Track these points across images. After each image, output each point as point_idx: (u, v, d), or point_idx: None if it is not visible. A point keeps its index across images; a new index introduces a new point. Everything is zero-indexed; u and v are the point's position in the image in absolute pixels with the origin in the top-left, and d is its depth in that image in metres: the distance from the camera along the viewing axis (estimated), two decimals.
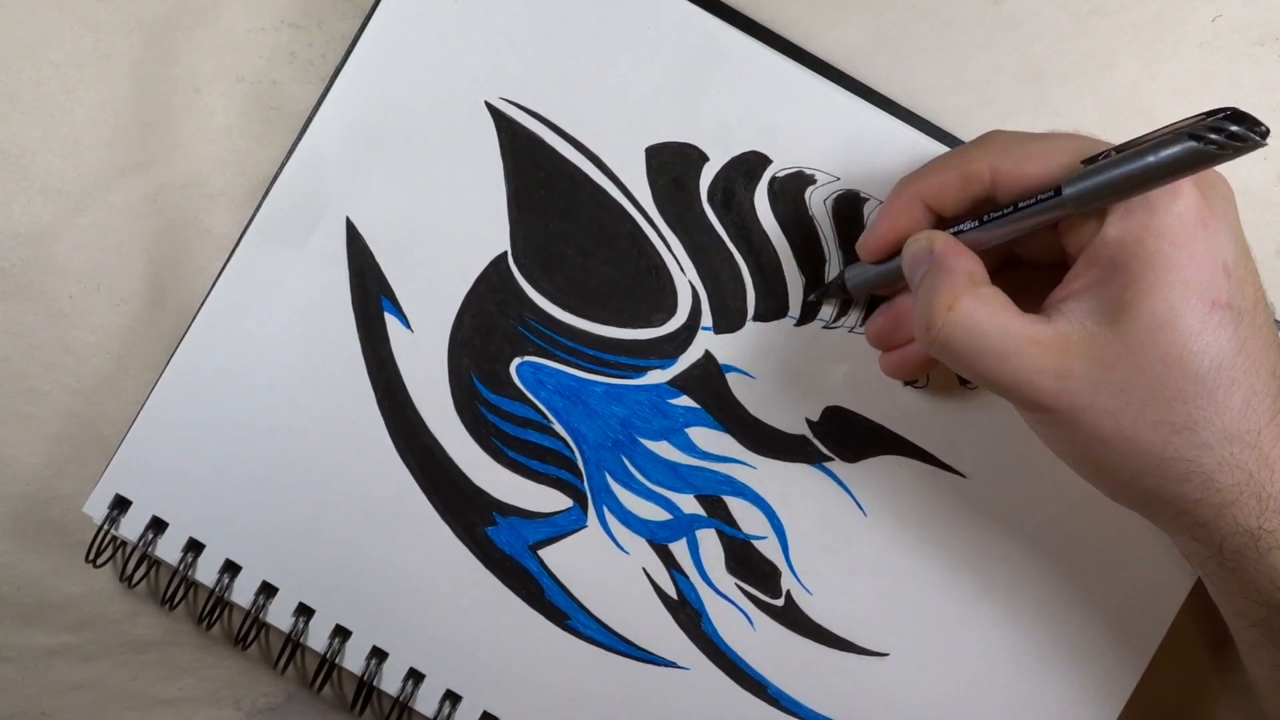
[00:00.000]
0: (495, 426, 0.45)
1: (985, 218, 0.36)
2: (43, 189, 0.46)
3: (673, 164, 0.44)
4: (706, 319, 0.44)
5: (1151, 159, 0.31)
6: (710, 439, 0.45)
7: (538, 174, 0.44)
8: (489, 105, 0.44)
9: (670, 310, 0.44)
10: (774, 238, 0.44)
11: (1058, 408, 0.34)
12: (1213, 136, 0.30)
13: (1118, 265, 0.33)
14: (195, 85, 0.46)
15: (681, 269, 0.44)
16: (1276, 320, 0.39)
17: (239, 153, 0.46)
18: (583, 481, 0.45)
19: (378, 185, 0.44)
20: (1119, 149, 0.33)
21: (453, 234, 0.44)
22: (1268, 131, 0.29)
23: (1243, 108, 0.30)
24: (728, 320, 0.44)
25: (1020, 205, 0.35)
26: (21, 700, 0.47)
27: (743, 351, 0.44)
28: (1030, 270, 0.39)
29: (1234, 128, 0.30)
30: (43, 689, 0.47)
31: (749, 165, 0.44)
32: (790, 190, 0.44)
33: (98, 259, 0.46)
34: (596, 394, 0.45)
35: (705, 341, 0.44)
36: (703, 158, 0.44)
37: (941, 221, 0.38)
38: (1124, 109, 0.45)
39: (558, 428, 0.45)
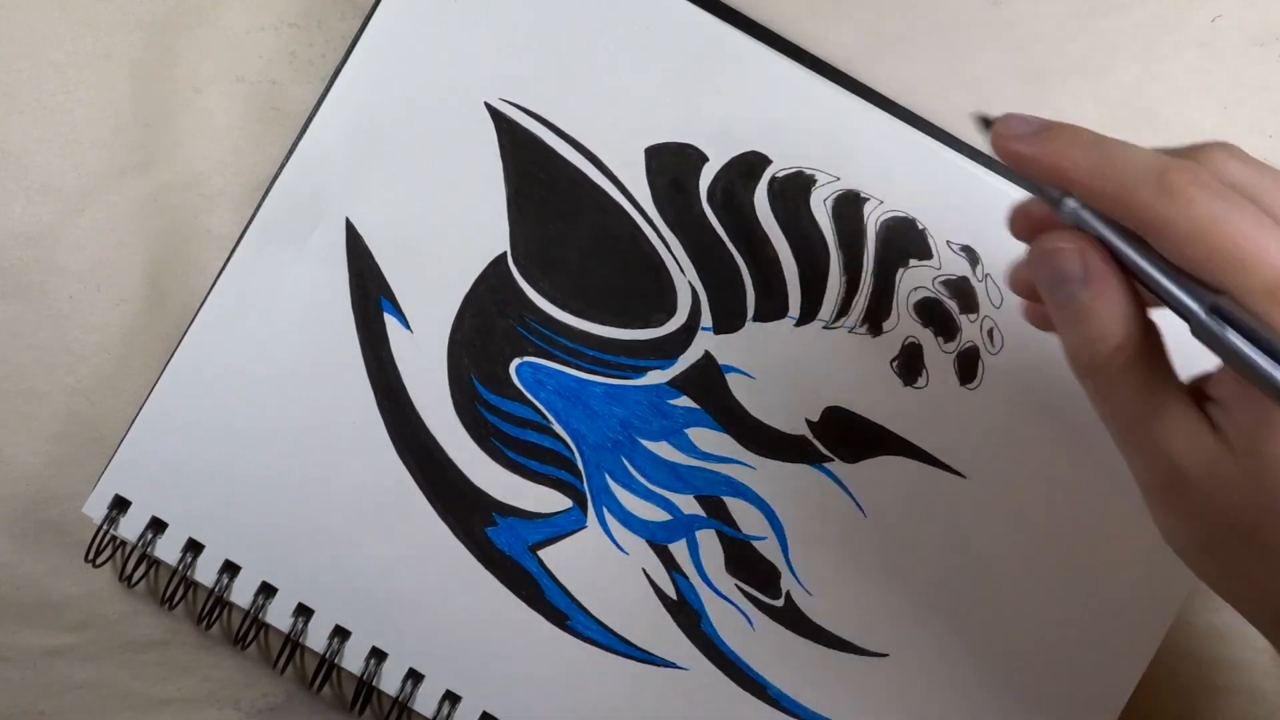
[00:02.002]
0: (495, 427, 0.45)
1: (1137, 254, 0.30)
2: (43, 189, 0.46)
3: (672, 164, 0.44)
4: (706, 319, 0.44)
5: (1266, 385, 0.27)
6: (709, 439, 0.45)
7: (537, 175, 0.44)
8: (488, 106, 0.44)
9: (670, 311, 0.44)
10: (774, 238, 0.44)
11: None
12: None
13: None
14: (195, 85, 0.46)
15: (681, 269, 0.44)
16: None
17: (239, 153, 0.46)
18: (582, 482, 0.45)
19: (378, 186, 0.44)
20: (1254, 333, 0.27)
21: (452, 234, 0.44)
22: None
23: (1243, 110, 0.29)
24: (727, 321, 0.44)
25: (1163, 284, 0.29)
26: (21, 700, 0.47)
27: (742, 352, 0.44)
28: None
29: None
30: (43, 689, 0.47)
31: (749, 165, 0.44)
32: (790, 190, 0.44)
33: (98, 259, 0.46)
34: (596, 394, 0.45)
35: (705, 342, 0.44)
36: (702, 158, 0.44)
37: None
38: (1124, 109, 0.45)
39: (557, 428, 0.45)
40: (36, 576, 0.47)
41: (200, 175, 0.46)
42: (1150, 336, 0.31)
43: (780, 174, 0.44)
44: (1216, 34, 0.45)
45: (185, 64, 0.46)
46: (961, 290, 0.44)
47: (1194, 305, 0.28)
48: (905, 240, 0.44)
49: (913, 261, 0.44)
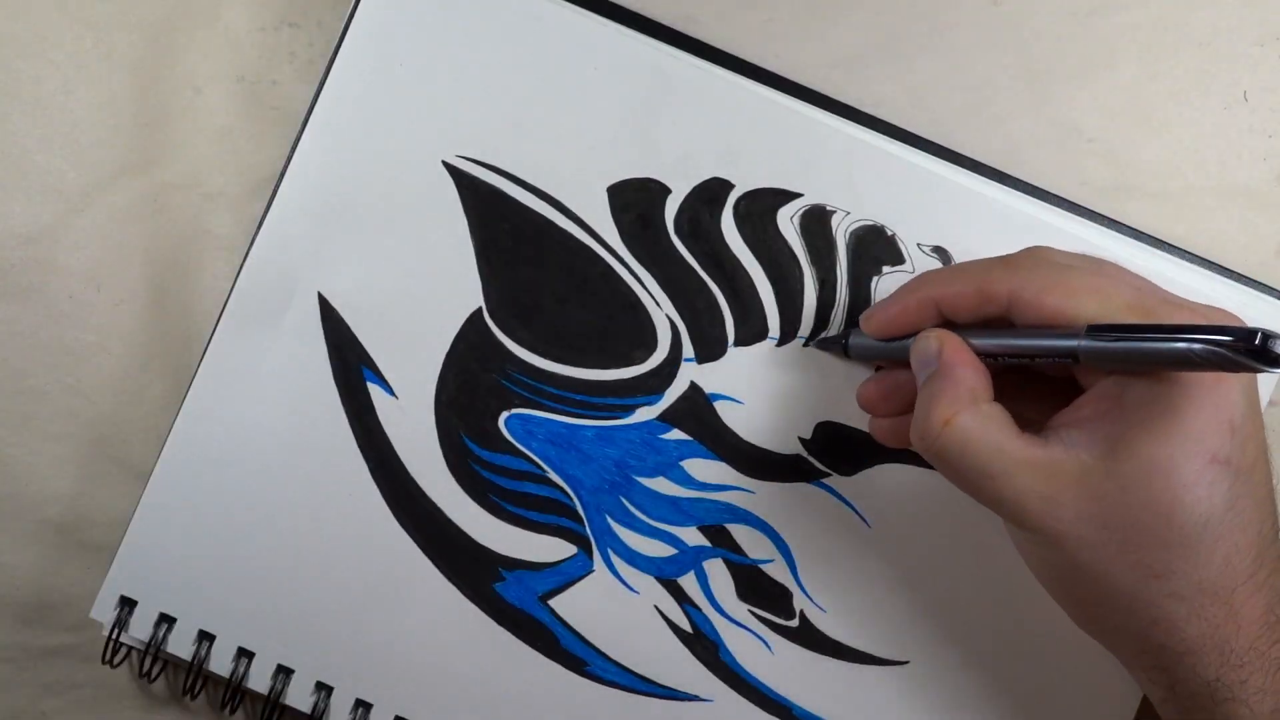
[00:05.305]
0: (491, 483, 0.45)
1: (1000, 335, 0.36)
2: (43, 189, 0.46)
3: (636, 200, 0.44)
4: (688, 350, 0.44)
5: (1168, 358, 0.31)
6: (706, 469, 0.45)
7: (502, 226, 0.44)
8: (446, 164, 0.44)
9: (651, 346, 0.44)
10: (745, 261, 0.44)
11: (1042, 530, 0.34)
12: (1240, 359, 0.29)
13: (1126, 404, 0.33)
14: (195, 85, 0.46)
15: (658, 304, 0.44)
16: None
17: (239, 153, 0.46)
18: (584, 527, 0.45)
19: (345, 257, 0.44)
20: (1137, 328, 0.32)
21: (425, 297, 0.44)
22: None
23: None
24: (709, 349, 0.44)
25: (1034, 340, 0.35)
26: (21, 700, 0.48)
27: (727, 378, 0.44)
28: (1040, 379, 0.39)
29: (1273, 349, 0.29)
30: (43, 689, 0.48)
31: (712, 192, 0.44)
32: (756, 212, 0.44)
33: (98, 259, 0.46)
34: (587, 438, 0.45)
35: (689, 373, 0.44)
36: (665, 190, 0.44)
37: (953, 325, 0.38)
38: (1124, 109, 0.45)
39: (553, 476, 0.45)
40: (37, 576, 0.47)
41: (200, 175, 0.46)
42: (988, 416, 0.35)
43: (744, 197, 0.43)
44: (1216, 34, 0.45)
45: (185, 64, 0.46)
46: None
47: (1070, 342, 0.33)
48: (876, 248, 0.44)
49: (885, 268, 0.44)
